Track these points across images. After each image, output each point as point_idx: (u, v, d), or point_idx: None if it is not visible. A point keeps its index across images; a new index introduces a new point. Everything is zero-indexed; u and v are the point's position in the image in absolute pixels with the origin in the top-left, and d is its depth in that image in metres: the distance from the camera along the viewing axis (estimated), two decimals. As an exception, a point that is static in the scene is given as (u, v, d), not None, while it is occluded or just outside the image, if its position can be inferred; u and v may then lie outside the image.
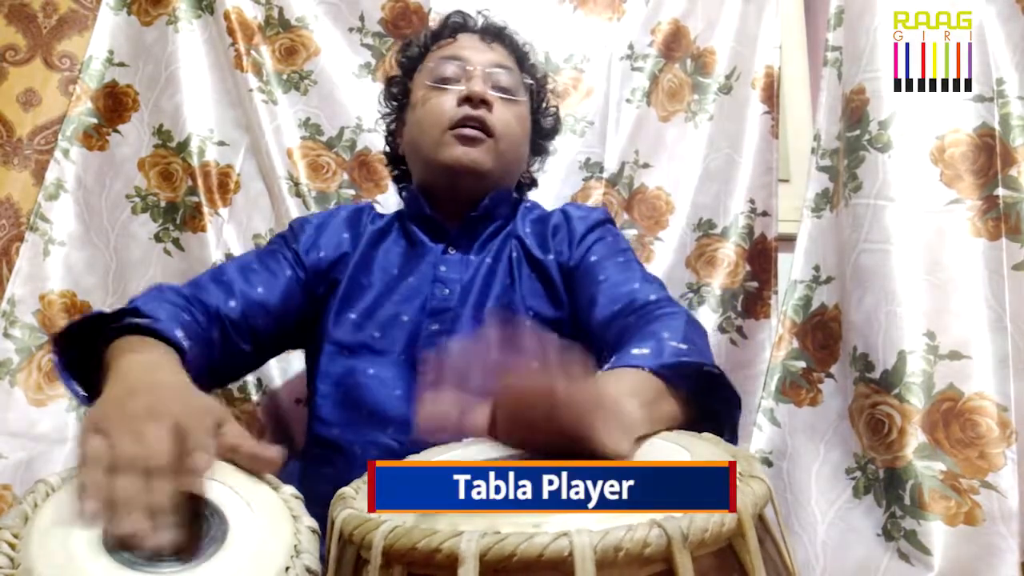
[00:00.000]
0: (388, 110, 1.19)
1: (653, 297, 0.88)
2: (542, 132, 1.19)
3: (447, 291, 0.97)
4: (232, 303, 0.91)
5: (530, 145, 1.15)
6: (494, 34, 1.12)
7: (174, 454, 0.52)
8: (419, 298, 0.97)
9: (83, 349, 0.76)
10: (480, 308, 0.95)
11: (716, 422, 0.72)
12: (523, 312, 0.96)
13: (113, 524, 0.48)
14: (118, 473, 0.51)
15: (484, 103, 1.01)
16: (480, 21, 1.14)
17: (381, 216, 1.11)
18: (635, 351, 0.70)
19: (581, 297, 0.95)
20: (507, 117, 1.04)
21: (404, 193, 1.13)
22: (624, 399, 0.57)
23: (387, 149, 1.21)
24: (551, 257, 1.00)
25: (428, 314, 0.95)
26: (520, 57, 1.14)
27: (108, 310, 0.77)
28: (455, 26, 1.12)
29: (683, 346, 0.72)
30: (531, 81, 1.13)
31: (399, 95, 1.15)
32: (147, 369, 0.67)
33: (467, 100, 1.01)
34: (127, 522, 0.47)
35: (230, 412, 0.61)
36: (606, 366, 0.69)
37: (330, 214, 1.10)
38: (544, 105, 1.19)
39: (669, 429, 0.64)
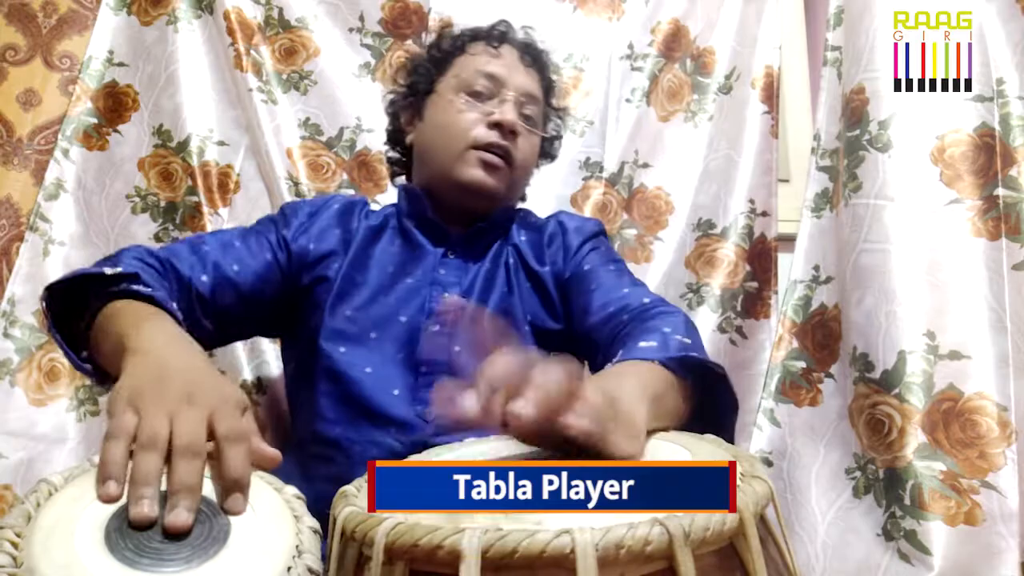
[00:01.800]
0: (404, 96, 1.13)
1: (647, 300, 0.89)
2: (544, 153, 1.17)
3: (446, 294, 0.97)
4: (204, 277, 0.90)
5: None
6: (534, 56, 1.09)
7: (205, 438, 0.53)
8: (417, 299, 0.97)
9: (72, 303, 0.76)
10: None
11: (713, 422, 0.72)
12: (522, 320, 0.96)
13: (133, 506, 0.48)
14: (148, 451, 0.51)
15: (512, 133, 1.00)
16: (522, 36, 1.11)
17: (375, 212, 1.10)
18: (642, 344, 0.71)
19: (575, 306, 0.96)
20: (527, 148, 1.04)
21: (404, 190, 1.10)
22: (632, 401, 0.57)
23: (390, 128, 1.17)
24: (547, 268, 1.01)
25: (427, 316, 0.95)
26: (548, 87, 1.12)
27: (99, 270, 0.77)
28: (500, 36, 1.09)
29: (687, 340, 0.73)
30: (554, 120, 1.13)
31: (423, 85, 1.10)
32: (174, 345, 0.67)
33: (497, 126, 1.00)
34: (145, 504, 0.48)
35: (248, 403, 0.62)
36: (613, 360, 0.69)
37: (324, 203, 1.08)
38: (555, 131, 1.18)
39: (668, 428, 0.64)
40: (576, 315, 0.95)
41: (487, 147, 0.99)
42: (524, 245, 1.03)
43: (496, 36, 1.08)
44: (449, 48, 1.09)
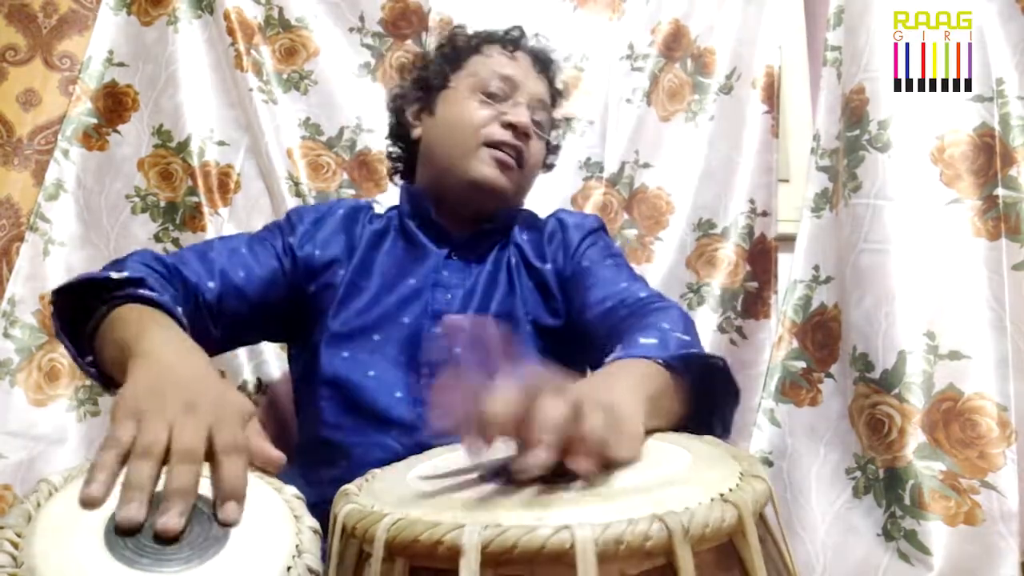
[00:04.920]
0: (413, 90, 1.12)
1: (643, 294, 0.88)
2: (544, 163, 1.17)
3: (448, 296, 0.97)
4: (211, 283, 0.90)
5: None
6: (545, 64, 1.10)
7: (204, 446, 0.53)
8: (419, 301, 0.97)
9: (79, 306, 0.76)
10: (483, 314, 0.95)
11: (713, 414, 0.72)
12: (524, 320, 0.96)
13: (121, 507, 0.48)
14: (143, 459, 0.51)
15: (525, 135, 1.01)
16: (535, 44, 1.12)
17: (379, 216, 1.09)
18: (642, 340, 0.70)
19: (574, 301, 0.96)
20: (536, 151, 1.05)
21: (406, 190, 1.09)
22: (630, 403, 0.57)
23: (393, 122, 1.15)
24: (548, 266, 1.01)
25: (430, 317, 0.95)
26: (555, 95, 1.13)
27: (106, 275, 0.76)
28: (515, 41, 1.09)
29: (686, 337, 0.73)
30: (556, 128, 1.13)
31: (436, 80, 1.09)
32: (178, 352, 0.66)
33: (512, 127, 1.00)
34: (133, 507, 0.48)
35: (254, 409, 0.62)
36: (612, 355, 0.69)
37: (329, 209, 1.08)
38: (556, 141, 1.18)
39: (664, 427, 0.63)
40: (575, 310, 0.95)
41: (500, 145, 0.99)
42: (526, 244, 1.03)
43: (512, 40, 1.09)
44: (464, 46, 1.10)
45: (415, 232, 1.03)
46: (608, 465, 0.49)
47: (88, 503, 0.49)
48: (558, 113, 1.16)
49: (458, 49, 1.10)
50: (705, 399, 0.71)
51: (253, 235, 1.04)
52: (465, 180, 1.00)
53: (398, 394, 0.90)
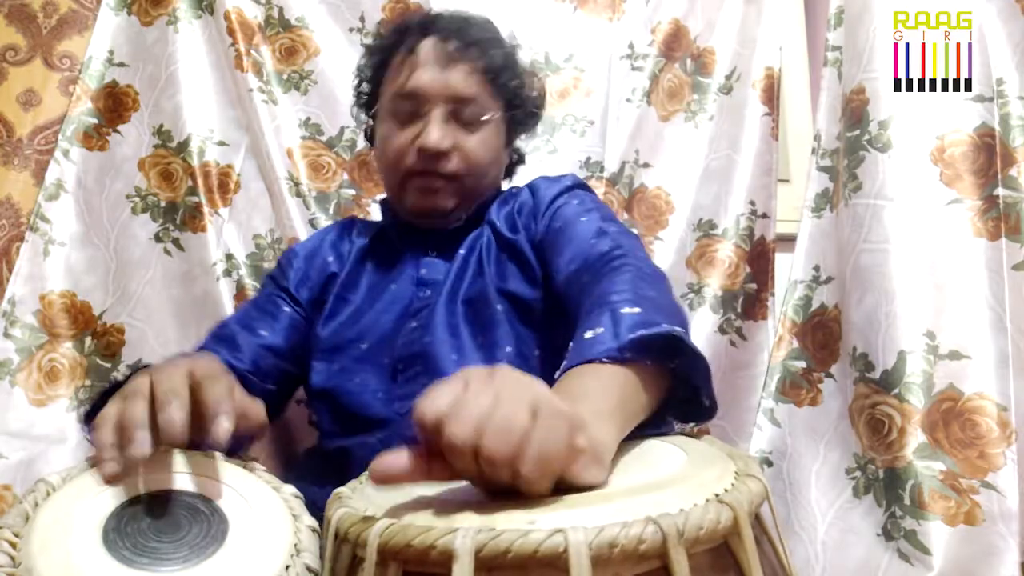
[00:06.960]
0: (357, 113, 1.14)
1: (604, 248, 0.82)
2: (522, 124, 1.10)
3: (428, 292, 0.97)
4: (240, 355, 0.95)
5: (510, 136, 1.09)
6: (462, 41, 0.99)
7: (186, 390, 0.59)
8: (402, 302, 0.98)
9: None
10: (452, 299, 0.94)
11: (689, 386, 0.67)
12: (495, 298, 0.92)
13: (128, 449, 0.54)
14: (132, 399, 0.58)
15: (442, 153, 0.96)
16: (444, 22, 1.02)
17: (368, 227, 1.11)
18: (588, 334, 0.64)
19: (549, 266, 0.91)
20: (469, 150, 0.98)
21: (382, 203, 1.10)
22: (598, 423, 0.51)
23: (367, 140, 1.17)
24: (521, 235, 0.97)
25: (410, 315, 0.95)
26: (490, 65, 1.00)
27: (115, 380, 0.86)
28: (419, 33, 1.00)
29: (635, 310, 0.65)
30: (496, 110, 1.02)
31: (368, 105, 1.10)
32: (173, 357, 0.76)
33: (423, 150, 0.95)
34: (136, 443, 0.54)
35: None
36: (565, 362, 0.63)
37: (320, 239, 1.10)
38: (520, 105, 1.07)
39: (644, 420, 0.60)
40: (550, 276, 0.90)
41: (420, 172, 0.97)
42: (499, 220, 1.00)
43: (413, 38, 1.00)
44: (377, 64, 1.06)
45: (395, 240, 1.05)
46: (564, 487, 0.46)
47: (110, 481, 0.54)
48: (513, 71, 1.05)
49: (373, 69, 1.07)
50: (678, 370, 0.64)
51: (256, 298, 1.09)
52: (406, 210, 1.02)
53: (380, 395, 0.91)
